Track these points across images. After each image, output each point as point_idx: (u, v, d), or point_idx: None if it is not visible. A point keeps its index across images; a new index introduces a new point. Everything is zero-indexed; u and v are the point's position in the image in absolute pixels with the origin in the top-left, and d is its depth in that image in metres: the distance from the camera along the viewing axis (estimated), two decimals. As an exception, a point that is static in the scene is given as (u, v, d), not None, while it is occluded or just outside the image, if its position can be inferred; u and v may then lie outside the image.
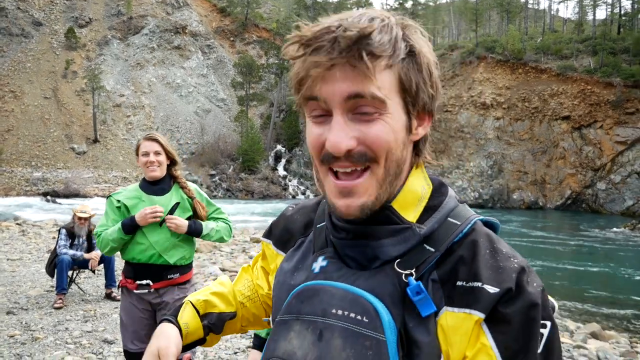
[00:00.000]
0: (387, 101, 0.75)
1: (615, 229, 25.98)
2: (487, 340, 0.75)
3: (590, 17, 54.43)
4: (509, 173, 40.74)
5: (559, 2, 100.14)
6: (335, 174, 0.79)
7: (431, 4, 63.38)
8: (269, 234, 1.10)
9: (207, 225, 3.12)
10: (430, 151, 0.90)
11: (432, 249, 0.81)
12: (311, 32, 0.75)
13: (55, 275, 6.43)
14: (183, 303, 1.13)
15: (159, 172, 3.08)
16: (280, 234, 1.06)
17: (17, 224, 16.13)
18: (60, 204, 32.69)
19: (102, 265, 6.86)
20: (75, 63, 52.72)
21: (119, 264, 7.79)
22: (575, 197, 38.71)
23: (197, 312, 1.11)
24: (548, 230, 25.77)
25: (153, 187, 3.12)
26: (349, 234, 0.84)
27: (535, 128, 40.75)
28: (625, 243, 21.61)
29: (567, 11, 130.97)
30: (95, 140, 47.81)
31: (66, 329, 5.34)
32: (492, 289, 0.76)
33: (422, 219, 0.84)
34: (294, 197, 45.73)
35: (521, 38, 44.86)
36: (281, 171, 49.06)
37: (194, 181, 41.69)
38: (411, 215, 0.84)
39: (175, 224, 2.98)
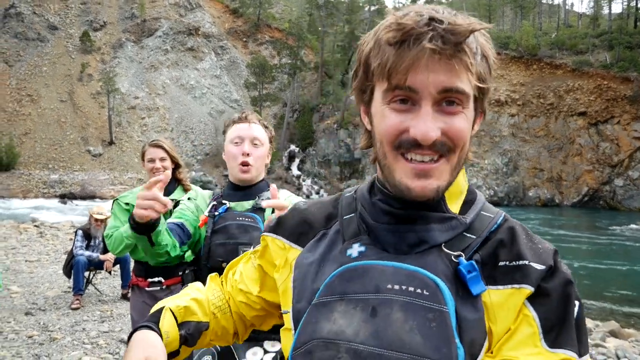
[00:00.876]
0: (470, 96, 0.80)
1: (633, 226, 25.59)
2: (529, 311, 0.81)
3: (605, 11, 53.59)
4: (524, 170, 40.33)
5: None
6: (407, 159, 0.82)
7: (444, 1, 62.95)
8: (275, 228, 1.06)
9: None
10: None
11: (473, 236, 0.86)
12: (413, 20, 0.77)
13: (72, 276, 6.51)
14: (162, 308, 1.04)
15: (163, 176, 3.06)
16: (295, 227, 1.03)
17: (35, 225, 16.36)
18: (76, 205, 33.12)
19: (117, 266, 6.93)
20: (90, 66, 53.32)
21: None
22: (593, 194, 38.18)
23: (175, 319, 1.03)
24: (565, 227, 25.46)
25: None
26: (392, 219, 0.87)
27: (551, 124, 40.27)
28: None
29: (582, 5, 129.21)
30: (111, 143, 48.33)
31: (83, 329, 5.40)
32: (537, 266, 0.82)
33: (462, 211, 0.90)
34: (308, 196, 45.76)
35: (535, 33, 44.38)
36: (295, 171, 49.11)
37: (209, 182, 41.98)
38: (454, 206, 0.89)
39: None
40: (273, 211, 2.04)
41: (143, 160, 3.23)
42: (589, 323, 7.81)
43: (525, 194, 39.71)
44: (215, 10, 63.95)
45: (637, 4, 49.07)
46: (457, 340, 0.76)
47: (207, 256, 2.07)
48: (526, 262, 0.82)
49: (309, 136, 50.50)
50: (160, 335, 0.97)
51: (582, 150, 38.84)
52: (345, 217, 0.96)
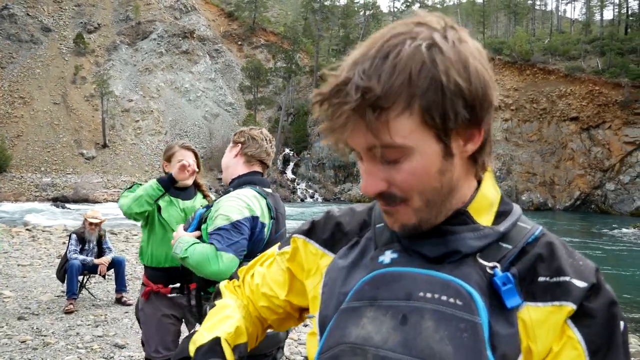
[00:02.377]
0: (407, 145, 0.75)
1: (624, 230, 25.81)
2: (574, 333, 0.78)
3: (597, 17, 54.10)
4: (517, 174, 40.56)
5: (566, 3, 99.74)
6: None
7: (438, 6, 63.28)
8: (309, 233, 1.04)
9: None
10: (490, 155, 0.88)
11: (509, 246, 0.83)
12: (329, 86, 0.77)
13: (65, 281, 6.52)
14: (216, 338, 1.03)
15: (190, 180, 3.20)
16: (330, 233, 1.01)
17: (27, 229, 16.31)
18: (69, 209, 32.96)
19: (112, 270, 6.94)
20: (84, 69, 53.18)
21: (128, 268, 7.86)
22: (585, 198, 38.46)
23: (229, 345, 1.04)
24: (558, 231, 25.60)
25: (179, 191, 3.20)
26: (424, 234, 0.85)
27: (544, 129, 40.56)
28: (636, 243, 21.47)
29: (575, 12, 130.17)
30: (104, 146, 48.18)
31: (77, 333, 5.41)
32: (580, 283, 0.79)
33: (495, 223, 0.86)
34: (302, 200, 45.79)
35: (529, 39, 44.73)
36: (289, 174, 49.16)
37: (202, 185, 41.83)
38: (485, 219, 0.86)
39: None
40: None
41: (167, 160, 3.26)
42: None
43: (518, 198, 39.93)
44: (210, 13, 63.99)
45: (627, 10, 49.58)
46: (489, 353, 0.73)
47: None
48: (567, 278, 0.80)
49: (303, 140, 50.57)
50: None
51: (574, 154, 39.13)
52: (378, 225, 0.95)
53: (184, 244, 2.17)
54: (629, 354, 0.81)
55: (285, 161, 50.50)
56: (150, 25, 58.42)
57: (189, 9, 61.21)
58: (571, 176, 39.03)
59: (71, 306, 6.29)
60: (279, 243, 1.16)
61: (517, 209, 0.91)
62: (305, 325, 5.81)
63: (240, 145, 2.45)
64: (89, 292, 7.04)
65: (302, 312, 1.13)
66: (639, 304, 11.24)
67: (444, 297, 0.77)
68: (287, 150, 51.13)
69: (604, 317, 0.78)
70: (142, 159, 48.52)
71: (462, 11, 65.35)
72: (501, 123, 41.54)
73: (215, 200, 2.40)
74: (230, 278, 1.24)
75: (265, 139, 2.50)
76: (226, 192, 2.36)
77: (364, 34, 52.55)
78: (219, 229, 2.17)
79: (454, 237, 0.83)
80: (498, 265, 0.81)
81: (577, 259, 0.84)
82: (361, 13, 55.99)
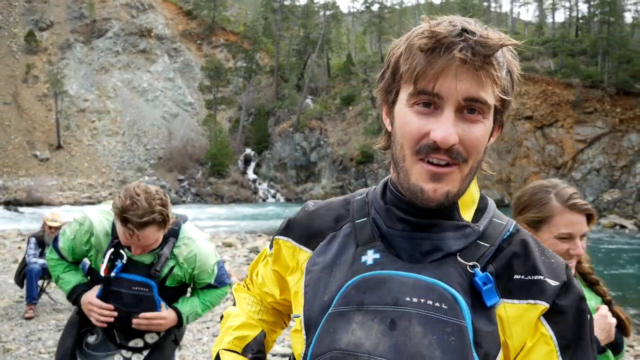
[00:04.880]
0: (491, 107, 0.83)
1: (577, 225, 26.84)
2: (546, 330, 0.82)
3: (550, 20, 56.09)
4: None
5: (520, 6, 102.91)
6: (424, 162, 0.84)
7: (397, 7, 64.19)
8: (286, 231, 1.07)
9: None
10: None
11: (487, 244, 0.87)
12: (446, 30, 0.79)
13: (24, 285, 6.32)
14: (216, 356, 1.08)
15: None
16: (305, 230, 1.03)
17: (-21, 234, 15.63)
18: (22, 213, 31.75)
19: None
20: (36, 67, 51.32)
21: (90, 272, 7.66)
22: (539, 194, 39.82)
23: (236, 352, 1.09)
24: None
25: None
26: (407, 226, 0.88)
27: (500, 128, 41.77)
28: (588, 237, 22.35)
29: (528, 14, 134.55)
30: (59, 147, 46.62)
31: (39, 339, 5.26)
32: (552, 282, 0.84)
33: (474, 219, 0.91)
34: (264, 200, 45.59)
35: (484, 40, 45.91)
36: (251, 175, 48.85)
37: (162, 187, 41.05)
38: (467, 215, 0.91)
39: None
40: (172, 269, 2.23)
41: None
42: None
43: (476, 195, 41.00)
44: (168, 11, 62.85)
45: (577, 14, 51.61)
46: (475, 354, 0.76)
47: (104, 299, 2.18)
48: (541, 277, 0.84)
49: (264, 140, 50.36)
50: None
51: (529, 152, 40.45)
52: (357, 221, 0.96)
53: (199, 309, 2.39)
54: (594, 344, 0.86)
55: (247, 161, 50.17)
56: (106, 23, 56.89)
57: (146, 7, 59.94)
58: (526, 173, 40.32)
59: (31, 312, 6.10)
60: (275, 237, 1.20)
61: (492, 204, 0.97)
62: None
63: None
64: (50, 297, 6.84)
65: None
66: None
67: (429, 302, 0.79)
68: (248, 151, 50.79)
69: (574, 313, 0.84)
70: (98, 161, 47.20)
71: (420, 12, 66.39)
72: (459, 122, 42.57)
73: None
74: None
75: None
76: (169, 236, 2.27)
77: (324, 34, 52.78)
78: (218, 275, 2.38)
79: (438, 236, 0.86)
80: (478, 265, 0.84)
81: (549, 257, 0.88)
82: (321, 13, 56.16)
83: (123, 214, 1.98)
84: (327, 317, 0.84)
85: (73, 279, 2.32)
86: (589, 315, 0.85)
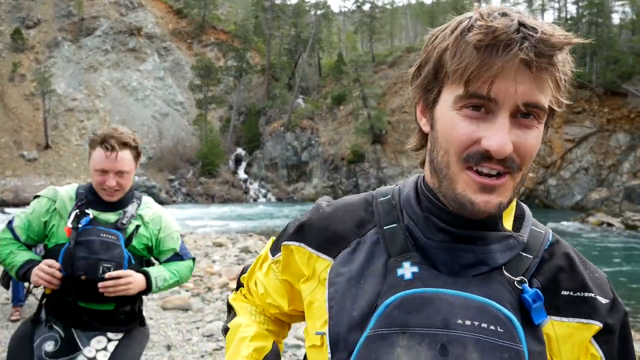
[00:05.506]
0: (547, 113, 0.75)
1: (565, 222, 27.09)
2: (596, 350, 0.79)
3: (539, 20, 56.44)
4: (465, 172, 41.85)
5: (511, 6, 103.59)
6: (474, 171, 0.76)
7: (388, 7, 64.33)
8: (299, 235, 0.94)
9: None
10: None
11: (530, 256, 0.81)
12: (503, 24, 0.70)
13: (10, 287, 6.22)
14: None
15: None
16: (322, 234, 0.91)
17: (-34, 234, 15.40)
18: (9, 213, 31.42)
19: (60, 274, 6.69)
20: (23, 66, 50.77)
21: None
22: (529, 193, 40.08)
23: None
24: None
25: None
26: (447, 237, 0.80)
27: (490, 128, 42.03)
28: (575, 235, 22.58)
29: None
30: (47, 147, 46.17)
31: (25, 341, 5.18)
32: (603, 300, 0.80)
33: (515, 228, 0.85)
34: (255, 200, 45.49)
35: (474, 40, 46.10)
36: (242, 174, 48.71)
37: (152, 187, 40.92)
38: (508, 222, 0.85)
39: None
40: (137, 228, 2.26)
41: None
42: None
43: (466, 194, 41.20)
44: (158, 10, 62.48)
45: (566, 14, 52.00)
46: None
47: (69, 267, 2.12)
48: (592, 294, 0.79)
49: (255, 139, 50.22)
50: None
51: (519, 152, 40.78)
52: (386, 228, 0.87)
53: (167, 275, 2.34)
54: (634, 356, 0.83)
55: (237, 161, 50.01)
56: (95, 22, 56.43)
57: (136, 5, 59.53)
58: (516, 173, 40.65)
59: (17, 314, 6.02)
60: (272, 239, 1.10)
61: (528, 210, 0.90)
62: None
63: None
64: (36, 298, 6.73)
65: None
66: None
67: (484, 324, 0.71)
68: (239, 150, 50.64)
69: (621, 331, 0.81)
70: (87, 161, 46.64)
71: (411, 12, 66.70)
72: (449, 122, 42.72)
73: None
74: (237, 286, 1.19)
75: None
76: (133, 197, 2.35)
77: (315, 34, 52.75)
78: (181, 243, 2.44)
79: (482, 249, 0.79)
80: (525, 280, 0.78)
81: (592, 270, 0.84)
82: (312, 12, 56.11)
83: (104, 139, 2.16)
84: (366, 341, 0.75)
85: (26, 254, 2.28)
86: (629, 328, 0.83)
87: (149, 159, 48.64)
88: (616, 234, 23.66)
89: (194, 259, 2.51)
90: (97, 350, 2.22)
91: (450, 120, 0.76)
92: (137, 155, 2.27)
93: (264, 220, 27.49)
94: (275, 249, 1.04)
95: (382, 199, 0.92)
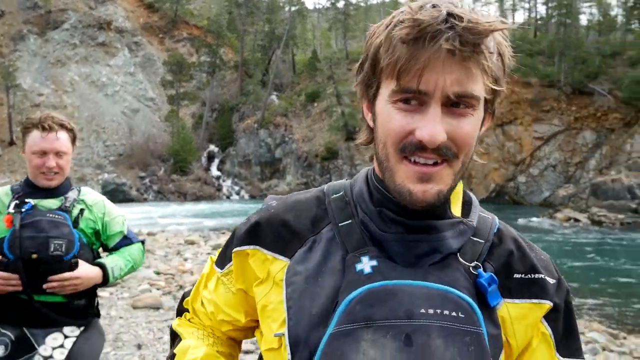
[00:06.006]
0: (480, 99, 0.76)
1: (534, 218, 27.70)
2: (546, 328, 0.84)
3: (510, 20, 57.45)
4: (437, 169, 42.32)
5: (482, 6, 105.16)
6: (411, 161, 0.77)
7: (362, 4, 64.55)
8: (252, 238, 0.91)
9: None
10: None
11: (481, 241, 0.84)
12: (430, 16, 0.71)
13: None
14: None
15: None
16: (276, 235, 0.89)
17: None
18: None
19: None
20: (-13, 59, 49.21)
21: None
22: (499, 190, 40.81)
23: None
24: (475, 222, 27.05)
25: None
26: (401, 228, 0.81)
27: (461, 125, 42.60)
28: (543, 230, 23.12)
29: (489, 14, 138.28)
30: (12, 143, 44.87)
31: None
32: (551, 280, 0.84)
33: (463, 214, 0.87)
34: (228, 197, 45.14)
35: (447, 39, 46.66)
36: (214, 172, 48.26)
37: (123, 184, 40.18)
38: (456, 209, 0.86)
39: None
40: (82, 212, 2.23)
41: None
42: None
43: (438, 191, 41.68)
44: (128, 3, 61.29)
45: (536, 15, 53.06)
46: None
47: (18, 249, 2.04)
48: (542, 275, 0.83)
49: (228, 136, 49.81)
50: None
51: (490, 149, 41.37)
52: (342, 224, 0.86)
53: (122, 263, 2.31)
54: (578, 331, 0.88)
55: (210, 158, 49.52)
56: (62, 15, 55.03)
57: (105, -2, 58.30)
58: (487, 170, 41.25)
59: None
60: (212, 257, 1.05)
61: (474, 196, 0.93)
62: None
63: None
64: None
65: None
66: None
67: (446, 312, 0.73)
68: (211, 147, 50.15)
69: (566, 307, 0.86)
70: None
71: (385, 10, 67.03)
72: (422, 119, 43.15)
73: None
74: (179, 313, 1.14)
75: None
76: (71, 185, 2.32)
77: (289, 30, 52.53)
78: (128, 230, 2.43)
79: (436, 236, 0.80)
80: (480, 265, 0.81)
81: (538, 253, 0.89)
82: (286, 9, 55.87)
83: (40, 120, 2.15)
84: (330, 339, 0.74)
85: None
86: (573, 307, 0.87)
87: (119, 156, 47.75)
88: (582, 229, 24.31)
89: (143, 242, 2.50)
90: (54, 348, 2.13)
91: (386, 114, 0.77)
92: (73, 139, 2.27)
93: (237, 217, 27.29)
94: (223, 261, 1.00)
95: (334, 195, 0.91)
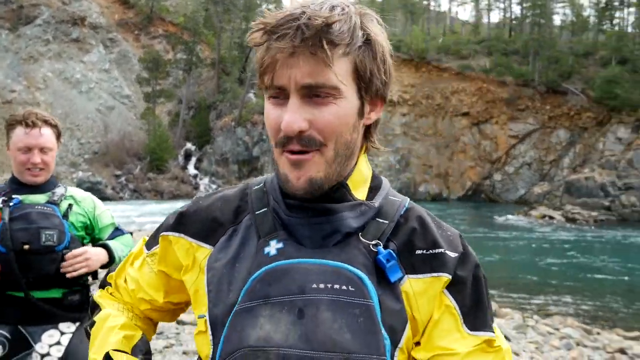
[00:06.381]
0: (341, 87, 0.81)
1: (509, 216, 28.10)
2: (449, 301, 0.86)
3: (485, 20, 58.16)
4: (415, 167, 42.60)
5: (458, 5, 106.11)
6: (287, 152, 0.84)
7: None
8: (178, 226, 0.99)
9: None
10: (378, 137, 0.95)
11: (385, 221, 0.89)
12: (275, 19, 0.79)
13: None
14: (105, 357, 0.97)
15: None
16: (201, 224, 0.97)
17: None
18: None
19: None
20: (-44, 55, 47.84)
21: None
22: (475, 188, 41.33)
23: (126, 352, 1.00)
24: (452, 219, 27.29)
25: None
26: (306, 213, 0.87)
27: (439, 124, 42.92)
28: (519, 228, 23.46)
29: (465, 14, 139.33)
30: (-17, 140, 43.72)
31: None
32: (452, 254, 0.88)
33: (368, 198, 0.91)
34: (206, 195, 44.75)
35: (424, 38, 46.99)
36: (192, 170, 47.82)
37: (98, 182, 39.51)
38: (360, 193, 0.91)
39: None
40: (70, 206, 2.25)
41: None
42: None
43: (416, 189, 41.96)
44: (103, -1, 60.24)
45: (511, 14, 53.80)
46: (384, 331, 0.78)
47: (9, 241, 2.05)
48: (442, 250, 0.87)
49: (205, 134, 49.37)
50: None
51: (466, 147, 41.85)
52: (258, 213, 0.93)
53: (120, 247, 2.33)
54: (490, 305, 0.91)
55: (187, 156, 49.05)
56: (35, 10, 53.77)
57: (79, -6, 57.15)
58: (463, 168, 41.72)
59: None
60: (144, 238, 1.08)
61: (386, 182, 0.98)
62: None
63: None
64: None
65: (187, 304, 1.08)
66: (520, 282, 12.29)
67: (336, 286, 0.79)
68: (188, 145, 49.66)
69: (472, 280, 0.88)
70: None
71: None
72: (399, 118, 43.34)
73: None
74: (102, 286, 1.17)
75: None
76: (58, 183, 2.34)
77: (267, 28, 52.20)
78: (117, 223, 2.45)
79: (335, 217, 0.86)
80: (380, 243, 0.85)
81: (444, 229, 0.92)
82: (263, 6, 55.55)
83: (24, 116, 2.15)
84: (234, 315, 0.81)
85: None
86: (484, 280, 0.90)
87: (94, 154, 46.94)
88: (557, 226, 24.75)
89: (132, 233, 2.54)
90: (50, 345, 2.12)
91: (266, 110, 0.87)
92: (58, 135, 2.27)
93: (215, 216, 27.04)
94: (152, 242, 1.06)
95: (255, 187, 0.99)
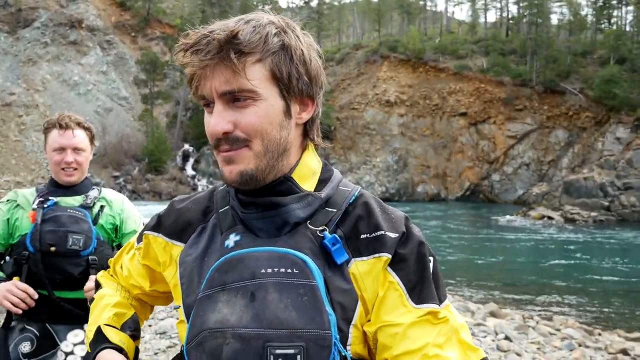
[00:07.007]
0: (258, 90, 0.89)
1: (508, 217, 28.10)
2: (393, 277, 0.92)
3: (482, 19, 58.21)
4: (413, 167, 42.62)
5: (454, 5, 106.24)
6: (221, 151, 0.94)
7: (336, 3, 64.49)
8: (156, 227, 1.11)
9: None
10: (321, 135, 1.04)
11: (334, 210, 0.96)
12: (193, 38, 0.90)
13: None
14: (97, 328, 1.11)
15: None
16: (175, 224, 1.08)
17: None
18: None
19: None
20: (-47, 58, 47.76)
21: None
22: (474, 188, 41.37)
23: (116, 328, 1.13)
24: (450, 220, 27.29)
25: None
26: (258, 208, 0.95)
27: (436, 124, 42.96)
28: (518, 228, 23.46)
29: (462, 13, 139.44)
30: (-19, 143, 43.68)
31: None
32: (392, 234, 0.94)
33: (317, 189, 0.98)
34: (204, 197, 44.73)
35: (421, 38, 47.01)
36: (189, 171, 47.79)
37: (96, 184, 39.41)
38: (308, 185, 0.98)
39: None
40: (102, 208, 2.34)
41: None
42: (472, 306, 8.49)
43: (414, 189, 42.00)
44: (100, 2, 60.16)
45: (508, 14, 53.89)
46: (329, 308, 0.86)
47: (38, 242, 2.14)
48: (383, 232, 0.93)
49: (203, 135, 49.06)
50: (117, 349, 1.08)
51: (464, 148, 41.89)
52: (221, 210, 1.02)
53: None
54: (439, 283, 0.95)
55: (185, 157, 49.00)
56: (33, 13, 53.72)
57: (76, -4, 57.10)
58: (461, 168, 41.76)
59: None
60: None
61: (337, 174, 1.05)
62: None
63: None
64: None
65: None
66: (520, 283, 12.28)
67: (282, 269, 0.87)
68: (186, 146, 49.63)
69: (415, 258, 0.94)
70: (27, 157, 44.63)
71: (358, 9, 67.24)
72: (397, 118, 43.37)
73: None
74: (105, 268, 1.34)
75: None
76: (92, 185, 2.45)
77: (264, 29, 52.18)
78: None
79: (284, 209, 0.94)
80: (327, 229, 0.93)
81: (389, 213, 0.98)
82: (260, 7, 55.52)
83: (58, 119, 2.27)
84: (197, 302, 0.91)
85: None
86: (431, 258, 0.95)
87: (93, 155, 46.82)
88: (556, 227, 24.74)
89: None
90: (75, 345, 2.16)
91: (204, 119, 0.96)
92: (91, 138, 2.37)
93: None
94: (139, 238, 1.17)
95: (221, 187, 1.09)
